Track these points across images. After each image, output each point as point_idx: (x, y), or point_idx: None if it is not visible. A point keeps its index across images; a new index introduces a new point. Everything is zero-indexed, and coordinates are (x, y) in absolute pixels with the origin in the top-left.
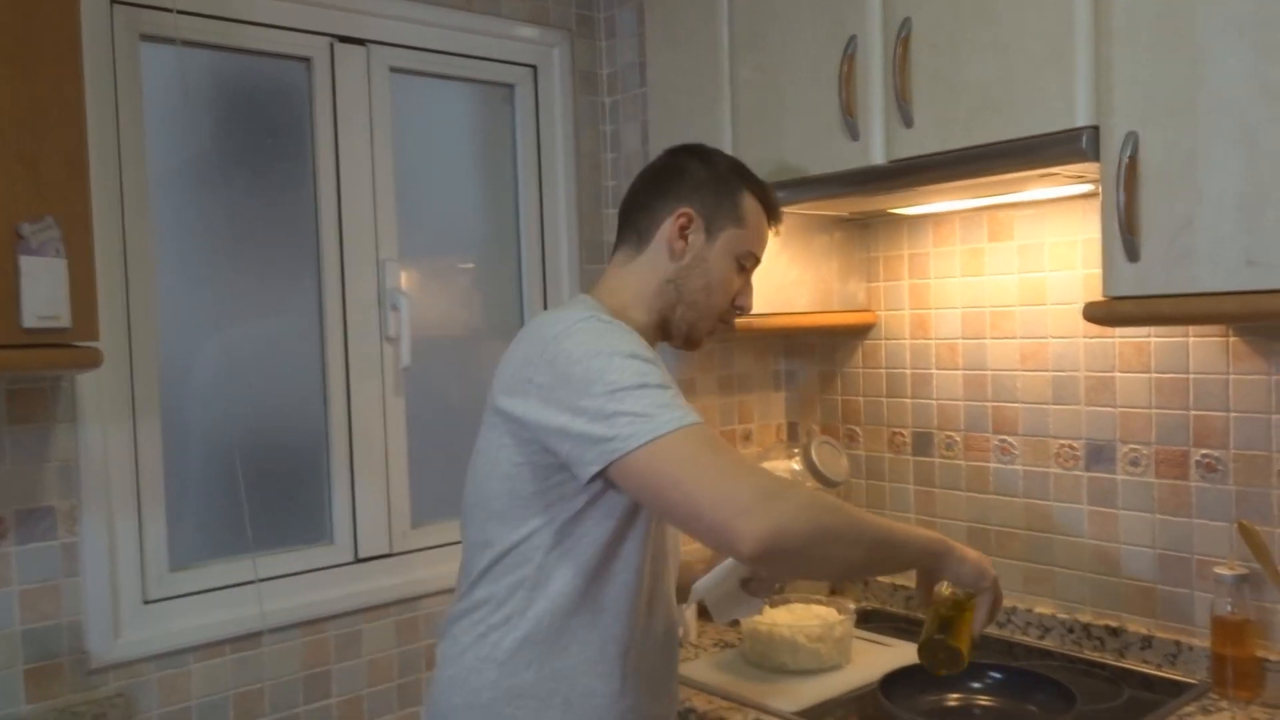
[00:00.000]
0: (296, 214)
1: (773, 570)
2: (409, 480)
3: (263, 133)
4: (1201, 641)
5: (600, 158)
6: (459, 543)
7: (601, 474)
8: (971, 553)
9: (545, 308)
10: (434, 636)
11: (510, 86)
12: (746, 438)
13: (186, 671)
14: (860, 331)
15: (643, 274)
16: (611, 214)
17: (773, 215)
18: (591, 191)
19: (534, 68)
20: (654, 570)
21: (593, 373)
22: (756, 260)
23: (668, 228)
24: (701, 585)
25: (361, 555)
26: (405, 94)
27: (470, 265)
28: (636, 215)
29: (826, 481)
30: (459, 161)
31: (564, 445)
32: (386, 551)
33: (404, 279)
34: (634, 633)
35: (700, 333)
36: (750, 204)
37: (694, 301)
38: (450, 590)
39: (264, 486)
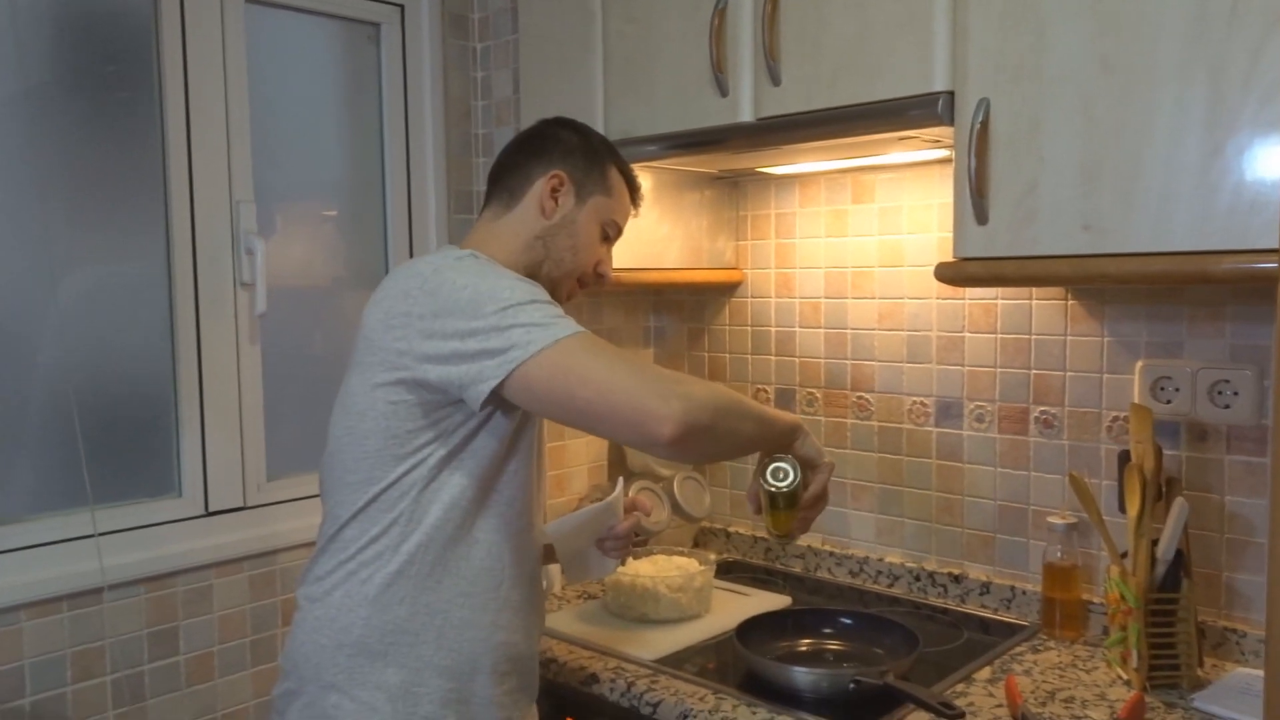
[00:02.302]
0: (141, 148)
1: (687, 453)
2: (265, 432)
3: (101, 59)
4: (1035, 586)
5: (470, 104)
6: (318, 496)
7: (496, 391)
8: (806, 431)
9: (411, 257)
10: (290, 590)
11: (376, 25)
12: None
13: (18, 629)
14: (728, 289)
15: (513, 230)
16: (481, 163)
17: (635, 193)
18: (460, 139)
19: (401, 6)
20: (525, 502)
21: (482, 295)
22: (619, 230)
23: (540, 187)
24: (555, 528)
25: (212, 508)
26: (262, 27)
27: (333, 212)
28: (508, 175)
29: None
30: (321, 103)
31: (454, 371)
32: (240, 505)
33: (261, 224)
34: (505, 565)
35: (562, 293)
36: (616, 177)
37: (560, 259)
38: (309, 544)
39: (105, 437)
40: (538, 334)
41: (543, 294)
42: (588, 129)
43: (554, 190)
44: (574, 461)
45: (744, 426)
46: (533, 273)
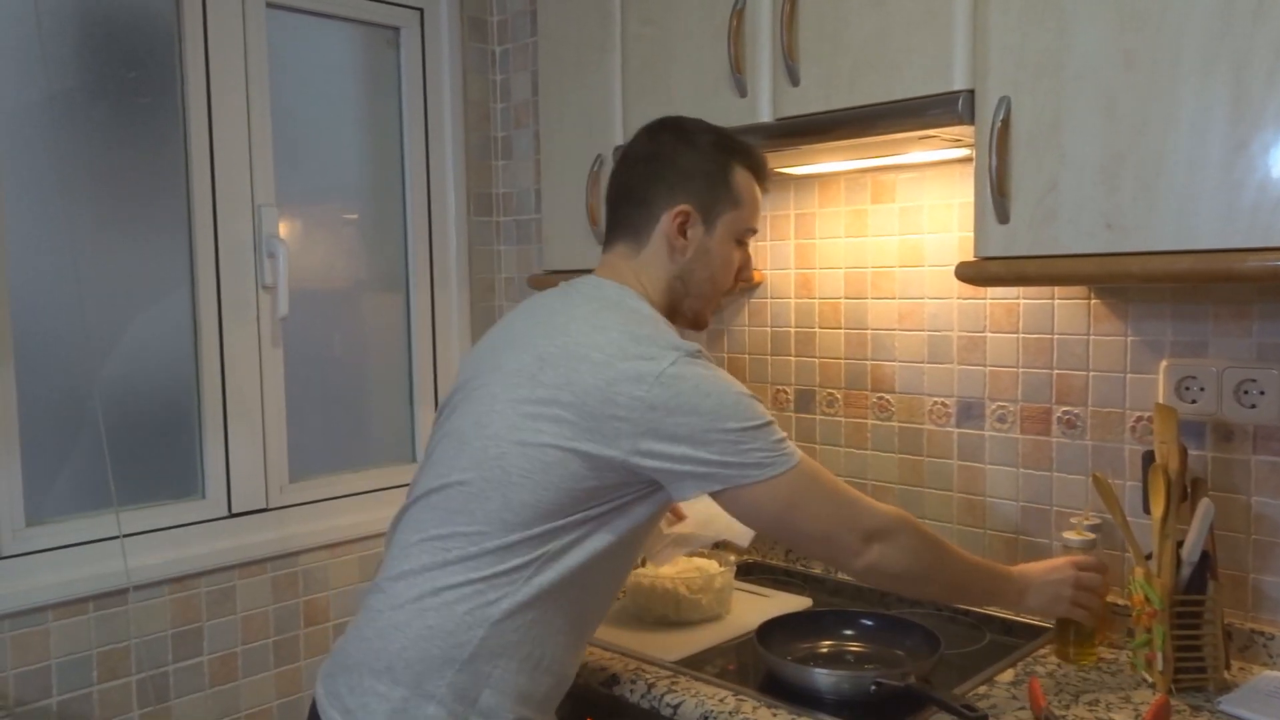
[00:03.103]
0: (164, 153)
1: (870, 585)
2: (287, 434)
3: (124, 65)
4: None
5: (489, 107)
6: (340, 497)
7: (712, 492)
8: (1037, 582)
9: (431, 261)
10: (312, 592)
11: (396, 29)
12: None
13: (45, 630)
14: (747, 290)
15: (651, 274)
16: (501, 165)
17: (762, 179)
18: (480, 142)
19: (420, 10)
20: (638, 553)
21: (725, 408)
22: (755, 233)
23: (666, 225)
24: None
25: (235, 510)
26: (283, 32)
27: (354, 216)
28: (629, 210)
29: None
30: (341, 107)
31: (679, 468)
32: (262, 506)
33: (283, 228)
34: (602, 613)
35: (707, 313)
36: (742, 178)
37: (700, 292)
38: (331, 545)
39: (129, 439)
40: (774, 459)
41: (766, 412)
42: (695, 131)
43: (681, 227)
44: None
45: (930, 590)
46: (675, 307)
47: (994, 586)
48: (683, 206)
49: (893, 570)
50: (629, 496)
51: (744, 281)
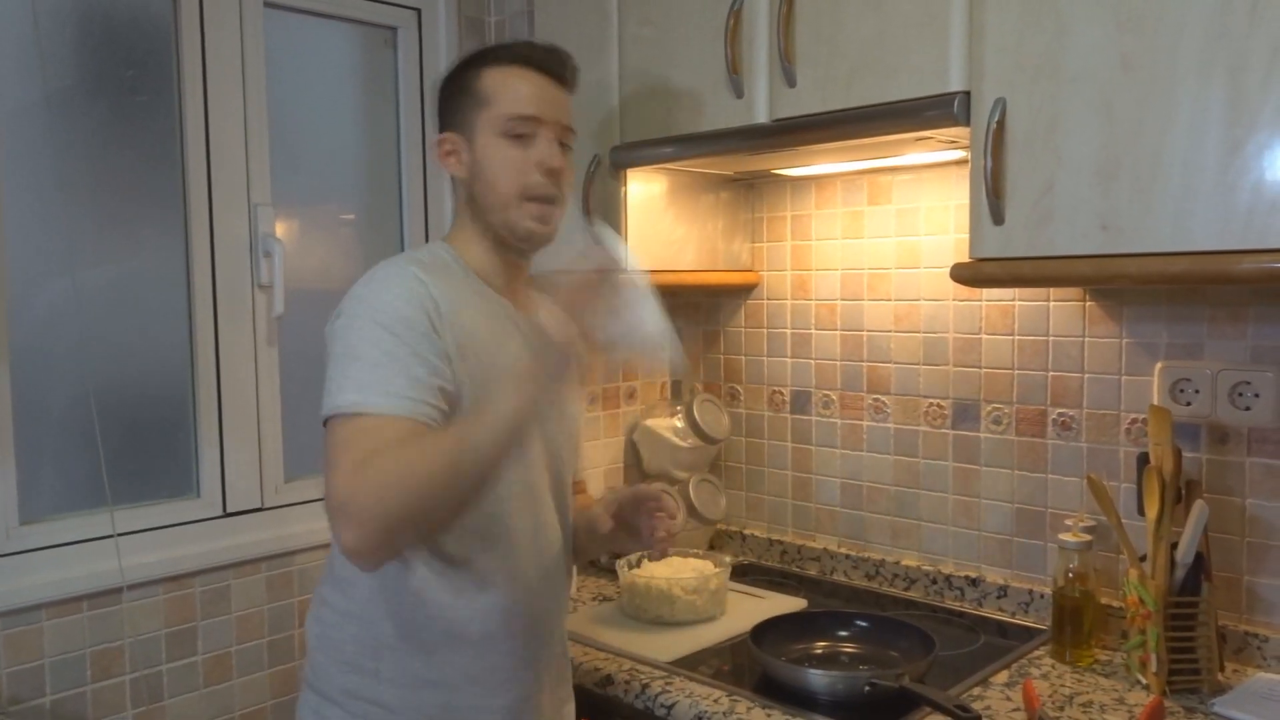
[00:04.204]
0: (160, 152)
1: (385, 545)
2: (282, 433)
3: (122, 63)
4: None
5: None
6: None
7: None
8: (536, 370)
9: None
10: (308, 592)
11: (393, 29)
12: (631, 395)
13: (39, 628)
14: (744, 291)
15: (457, 209)
16: None
17: (517, 61)
18: None
19: (418, 10)
20: (520, 517)
21: (351, 326)
22: (527, 118)
23: (438, 159)
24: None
25: (230, 509)
26: (280, 31)
27: (351, 216)
28: None
29: (707, 439)
30: (339, 107)
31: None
32: (258, 506)
33: (279, 227)
34: (499, 577)
35: (516, 222)
36: (490, 76)
37: (489, 203)
38: (326, 545)
39: (124, 437)
40: (331, 399)
41: (385, 343)
42: (454, 65)
43: (446, 154)
44: (589, 464)
45: (446, 493)
46: (486, 228)
47: (505, 421)
48: (438, 135)
49: (393, 508)
50: None
51: (549, 174)
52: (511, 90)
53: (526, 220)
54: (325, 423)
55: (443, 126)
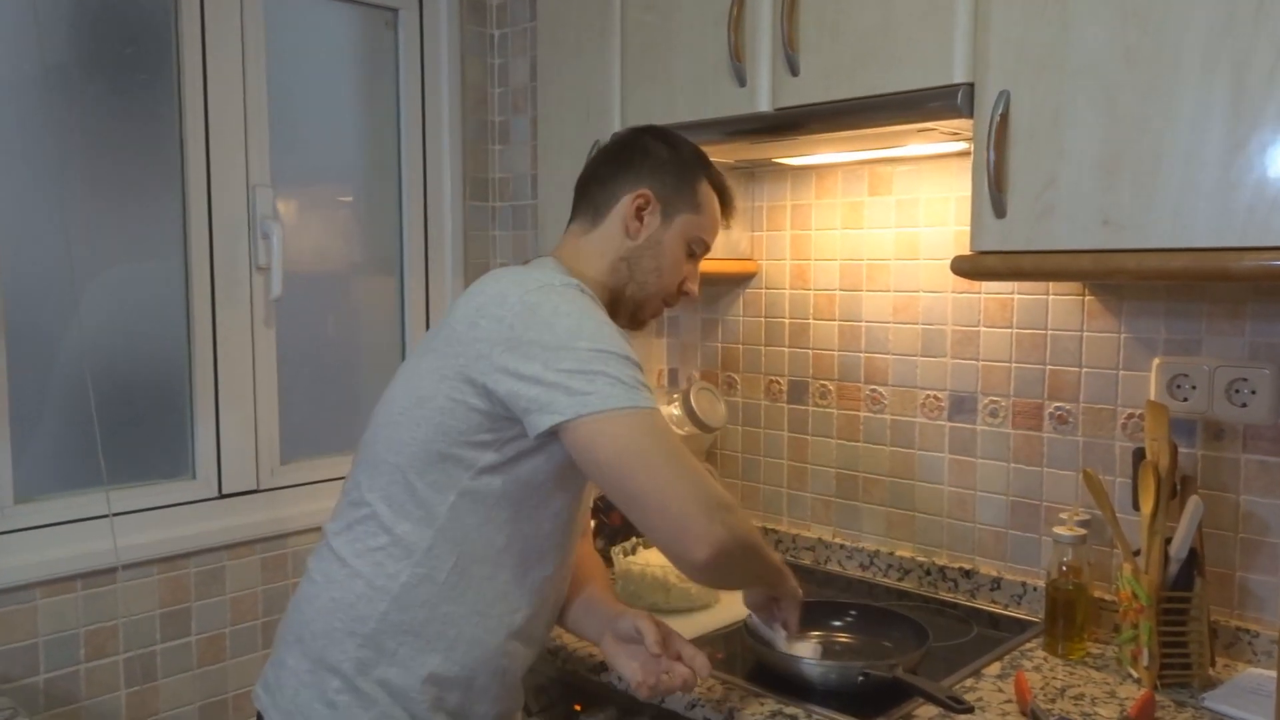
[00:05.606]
0: (159, 131)
1: (708, 578)
2: (279, 415)
3: (120, 41)
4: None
5: (487, 91)
6: (331, 480)
7: (556, 429)
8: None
9: (426, 245)
10: (302, 574)
11: (394, 11)
12: None
13: (33, 607)
14: (742, 280)
15: (599, 249)
16: (498, 149)
17: (727, 207)
18: (476, 126)
19: None
20: (562, 541)
21: (581, 330)
22: (707, 248)
23: (625, 206)
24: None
25: (226, 491)
26: (280, 11)
27: (349, 198)
28: (594, 189)
29: (704, 427)
30: (338, 89)
31: (526, 390)
32: (253, 487)
33: (278, 208)
34: (528, 596)
35: (646, 313)
36: (707, 192)
37: (644, 282)
38: (320, 528)
39: (120, 418)
40: (621, 393)
41: (633, 353)
42: (680, 140)
43: (639, 210)
44: None
45: (756, 568)
46: (618, 294)
47: (785, 580)
48: (645, 190)
49: (736, 554)
50: (508, 444)
51: (686, 294)
52: (713, 217)
53: (649, 314)
54: (610, 413)
55: (646, 183)
